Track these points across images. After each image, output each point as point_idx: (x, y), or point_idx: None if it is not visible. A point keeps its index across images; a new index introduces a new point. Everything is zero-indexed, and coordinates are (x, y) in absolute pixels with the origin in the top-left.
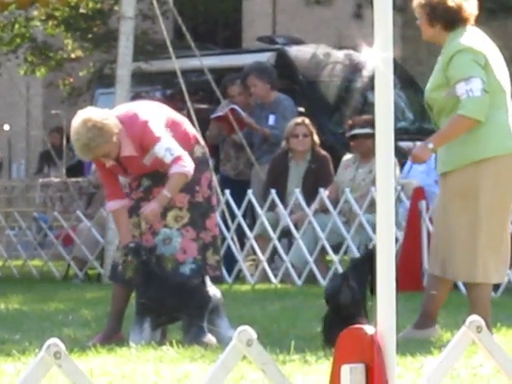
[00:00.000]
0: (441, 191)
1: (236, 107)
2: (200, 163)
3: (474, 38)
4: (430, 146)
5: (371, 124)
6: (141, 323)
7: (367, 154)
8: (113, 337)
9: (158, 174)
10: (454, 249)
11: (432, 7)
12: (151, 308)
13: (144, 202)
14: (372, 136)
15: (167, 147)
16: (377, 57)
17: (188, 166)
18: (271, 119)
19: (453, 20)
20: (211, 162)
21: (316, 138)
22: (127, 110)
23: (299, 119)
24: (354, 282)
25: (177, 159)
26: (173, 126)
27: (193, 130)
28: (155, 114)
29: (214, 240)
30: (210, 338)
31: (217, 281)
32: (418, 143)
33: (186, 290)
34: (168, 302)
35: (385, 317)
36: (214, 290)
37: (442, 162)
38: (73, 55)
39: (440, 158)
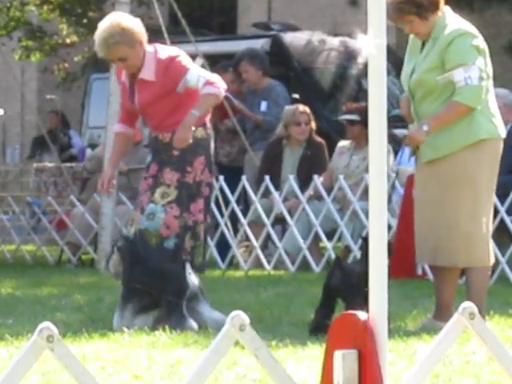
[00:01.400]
0: (431, 179)
1: (229, 95)
2: (197, 145)
3: (466, 22)
4: (425, 128)
5: (360, 110)
6: (123, 308)
7: (356, 139)
8: None
9: (158, 148)
10: (454, 235)
11: (416, 3)
12: (136, 292)
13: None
14: (359, 123)
15: (199, 74)
16: (370, 43)
17: (220, 87)
18: (263, 105)
19: (437, 2)
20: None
21: (313, 125)
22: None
23: (301, 107)
24: (350, 267)
25: (209, 81)
26: (194, 94)
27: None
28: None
29: (195, 225)
30: (191, 323)
31: (197, 269)
32: (412, 126)
33: (165, 273)
34: (150, 285)
35: (377, 303)
36: (192, 278)
37: (432, 148)
38: (68, 40)
39: (428, 144)
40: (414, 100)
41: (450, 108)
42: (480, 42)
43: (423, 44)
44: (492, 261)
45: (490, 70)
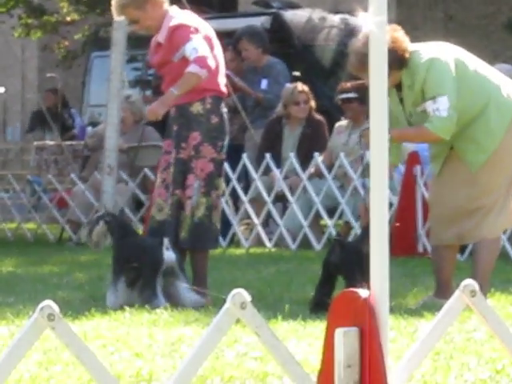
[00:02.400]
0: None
1: (229, 73)
2: (191, 121)
3: (433, 49)
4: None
5: (356, 88)
6: (115, 282)
7: (356, 118)
8: None
9: (168, 122)
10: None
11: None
12: (126, 267)
13: (223, 164)
14: (357, 100)
15: (195, 47)
16: (371, 21)
17: (205, 67)
18: (264, 83)
19: (400, 59)
20: (208, 128)
21: (312, 103)
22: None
23: (299, 86)
24: (350, 244)
25: (197, 59)
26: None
27: (216, 84)
28: (199, 32)
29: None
30: (160, 301)
31: (181, 244)
32: None
33: (141, 247)
34: (135, 259)
35: (378, 280)
36: (169, 254)
37: (479, 151)
38: (68, 18)
39: (471, 151)
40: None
41: (418, 129)
42: (449, 64)
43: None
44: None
45: (490, 77)
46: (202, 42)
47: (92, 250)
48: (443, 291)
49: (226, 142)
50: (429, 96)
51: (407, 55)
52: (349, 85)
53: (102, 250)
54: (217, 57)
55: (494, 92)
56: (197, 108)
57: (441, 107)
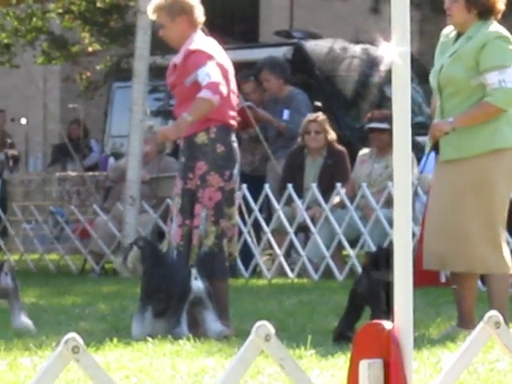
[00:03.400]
0: (447, 183)
1: (252, 104)
2: (196, 151)
3: (503, 29)
4: (451, 120)
5: (388, 119)
6: (143, 311)
7: (383, 148)
8: None
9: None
10: (468, 242)
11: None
12: (153, 295)
13: (236, 193)
14: (388, 131)
15: (208, 72)
16: (394, 51)
17: (217, 93)
18: (285, 114)
19: (490, 9)
20: (214, 157)
21: (332, 134)
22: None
23: (312, 116)
24: (374, 275)
25: (210, 84)
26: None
27: (222, 116)
28: (214, 59)
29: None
30: (183, 330)
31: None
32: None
33: (171, 278)
34: (164, 289)
35: (402, 312)
36: (198, 284)
37: (454, 148)
38: (90, 49)
39: (450, 143)
40: (442, 96)
41: (479, 107)
42: None
43: (455, 40)
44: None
45: None
46: (216, 68)
47: (128, 277)
48: (466, 321)
49: (236, 170)
50: (494, 65)
51: (497, 6)
52: (381, 114)
53: (138, 275)
54: (230, 89)
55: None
56: (201, 138)
57: (507, 78)
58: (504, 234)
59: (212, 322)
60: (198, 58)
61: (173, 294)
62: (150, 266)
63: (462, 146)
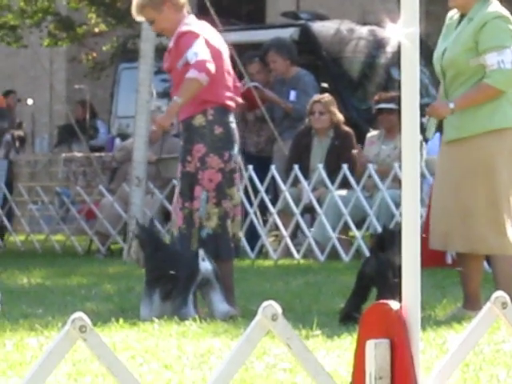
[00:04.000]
0: (450, 163)
1: (258, 85)
2: (194, 133)
3: (503, 8)
4: (451, 105)
5: (396, 100)
6: (150, 294)
7: (392, 130)
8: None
9: (238, 140)
10: (470, 222)
11: None
12: (160, 279)
13: (236, 174)
14: (396, 112)
15: (195, 51)
16: (402, 33)
17: (203, 71)
18: (292, 95)
19: None
20: (214, 138)
21: (338, 115)
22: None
23: (317, 97)
24: (382, 256)
25: (196, 63)
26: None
27: (219, 96)
28: (204, 38)
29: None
30: (189, 311)
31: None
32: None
33: (178, 260)
34: (169, 271)
35: (410, 292)
36: (206, 265)
37: (455, 128)
38: (96, 29)
39: (452, 123)
40: (445, 79)
41: (479, 89)
42: None
43: (459, 23)
44: None
45: None
46: (203, 46)
47: (137, 266)
48: (472, 302)
49: (235, 151)
50: (493, 45)
51: None
52: (389, 95)
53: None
54: (224, 69)
55: None
56: (199, 120)
57: (506, 59)
58: (510, 214)
59: (219, 302)
60: (188, 39)
61: (180, 275)
62: (151, 251)
63: (462, 127)
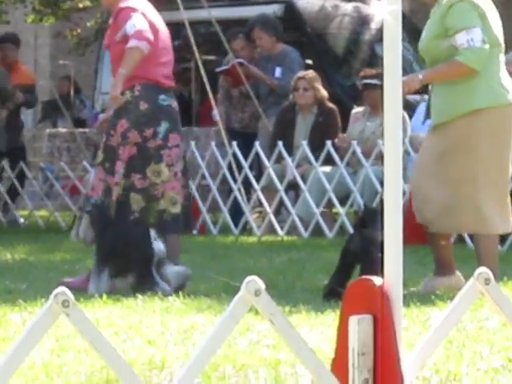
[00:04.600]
0: (434, 143)
1: (243, 61)
2: (120, 109)
3: None
4: (420, 76)
5: (380, 77)
6: (99, 271)
7: (377, 106)
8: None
9: (174, 118)
10: (455, 201)
11: None
12: (110, 256)
13: (164, 150)
14: (379, 87)
15: (134, 23)
16: (385, 9)
17: (143, 39)
18: (278, 71)
19: None
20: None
21: (322, 91)
22: None
23: (302, 73)
24: (365, 233)
25: (134, 33)
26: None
27: (155, 73)
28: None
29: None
30: (164, 286)
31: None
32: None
33: (131, 241)
34: (121, 249)
35: (392, 268)
36: (158, 245)
37: (437, 113)
38: (80, 5)
39: (434, 108)
40: (427, 66)
41: (449, 64)
42: (480, 8)
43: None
44: (504, 229)
45: (498, 35)
46: (142, 18)
47: (84, 245)
48: (445, 268)
49: (163, 128)
50: (461, 26)
51: None
52: (374, 71)
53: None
54: (159, 47)
55: (495, 68)
56: (126, 96)
57: (475, 38)
58: (492, 194)
59: (171, 267)
60: (125, 13)
61: (136, 257)
62: (102, 227)
63: (442, 111)
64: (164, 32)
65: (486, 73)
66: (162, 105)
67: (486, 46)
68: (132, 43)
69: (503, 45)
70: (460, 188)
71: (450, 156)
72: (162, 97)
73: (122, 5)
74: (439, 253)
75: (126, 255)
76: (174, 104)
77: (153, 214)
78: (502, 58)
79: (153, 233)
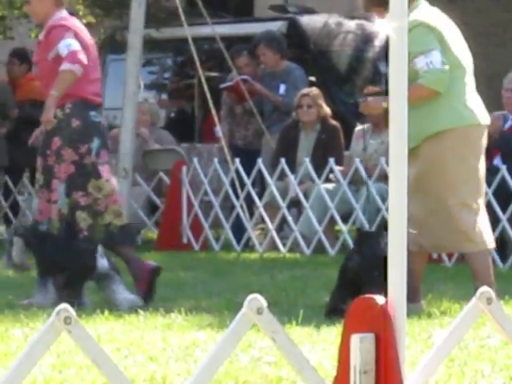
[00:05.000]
0: (408, 170)
1: (248, 78)
2: (53, 128)
3: (429, 14)
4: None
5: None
6: (44, 284)
7: (379, 124)
8: None
9: (104, 135)
10: (435, 225)
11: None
12: (51, 268)
13: (99, 166)
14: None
15: (67, 44)
16: (391, 27)
17: (76, 62)
18: (282, 88)
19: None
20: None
21: (325, 109)
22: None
23: (306, 90)
24: (367, 252)
25: (68, 55)
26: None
27: (89, 89)
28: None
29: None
30: (85, 301)
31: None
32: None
33: (75, 250)
34: (60, 260)
35: (396, 287)
36: (102, 261)
37: (410, 138)
38: (84, 21)
39: (408, 134)
40: None
41: (412, 89)
42: (437, 30)
43: None
44: (492, 244)
45: (460, 57)
46: (74, 39)
47: (20, 271)
48: (414, 295)
49: (96, 144)
50: (419, 50)
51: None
52: (377, 89)
53: (30, 267)
54: (89, 64)
55: (457, 90)
56: (58, 114)
57: (434, 60)
58: (468, 213)
59: (123, 292)
60: (59, 32)
61: (73, 268)
62: (37, 244)
63: (411, 136)
64: (93, 50)
65: (448, 94)
66: (94, 121)
67: (447, 67)
68: (65, 66)
69: (470, 65)
70: (437, 213)
71: (422, 181)
72: (92, 113)
73: (54, 22)
74: (413, 280)
75: (67, 266)
76: (104, 121)
77: (99, 228)
78: (469, 79)
79: (100, 249)
